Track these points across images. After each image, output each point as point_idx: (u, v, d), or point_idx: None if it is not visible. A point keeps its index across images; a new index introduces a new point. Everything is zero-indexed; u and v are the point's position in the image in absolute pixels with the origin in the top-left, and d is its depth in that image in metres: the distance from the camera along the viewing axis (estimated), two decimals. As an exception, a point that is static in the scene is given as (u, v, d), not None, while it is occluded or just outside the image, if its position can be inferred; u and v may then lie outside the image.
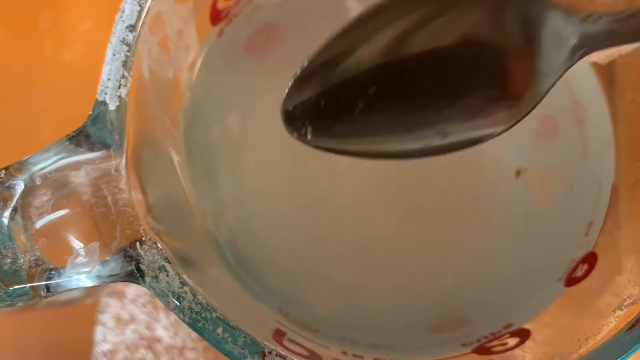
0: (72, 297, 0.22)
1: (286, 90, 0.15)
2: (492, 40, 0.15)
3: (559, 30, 0.14)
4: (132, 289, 0.26)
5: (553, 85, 0.15)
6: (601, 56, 0.18)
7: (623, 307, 0.15)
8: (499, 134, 0.15)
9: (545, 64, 0.15)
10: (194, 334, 0.26)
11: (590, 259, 0.17)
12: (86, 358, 0.25)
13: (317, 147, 0.15)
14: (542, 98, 0.15)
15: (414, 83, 0.15)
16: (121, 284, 0.25)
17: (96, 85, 0.29)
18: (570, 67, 0.15)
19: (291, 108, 0.15)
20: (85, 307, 0.25)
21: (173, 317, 0.25)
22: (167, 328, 0.25)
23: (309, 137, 0.15)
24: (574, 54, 0.14)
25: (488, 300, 0.18)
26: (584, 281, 0.17)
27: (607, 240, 0.17)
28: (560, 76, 0.15)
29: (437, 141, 0.15)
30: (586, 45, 0.14)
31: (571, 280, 0.17)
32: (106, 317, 0.25)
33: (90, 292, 0.24)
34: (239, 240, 0.18)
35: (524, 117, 0.15)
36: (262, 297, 0.17)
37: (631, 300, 0.15)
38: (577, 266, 0.18)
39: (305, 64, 0.15)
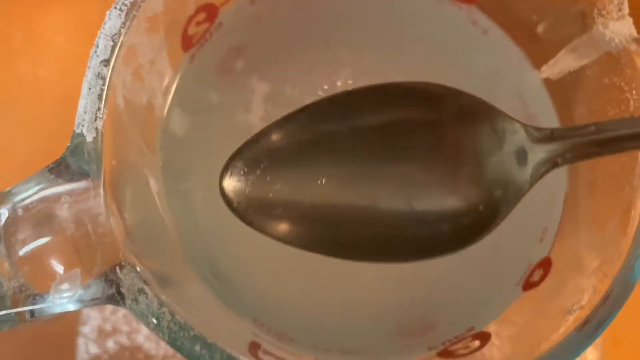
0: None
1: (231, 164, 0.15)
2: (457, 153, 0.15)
3: (523, 147, 0.15)
4: (113, 301, 0.26)
5: (515, 204, 0.15)
6: (553, 72, 0.20)
7: (574, 310, 0.16)
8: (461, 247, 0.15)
9: (507, 181, 0.15)
10: (174, 343, 0.26)
11: (546, 264, 0.18)
12: (69, 369, 0.25)
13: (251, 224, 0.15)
14: (503, 217, 0.15)
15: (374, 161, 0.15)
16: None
17: (70, 101, 0.29)
18: (533, 184, 0.15)
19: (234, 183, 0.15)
20: (66, 319, 0.26)
21: (154, 327, 0.26)
22: (149, 338, 0.26)
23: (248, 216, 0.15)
24: (539, 170, 0.15)
25: (452, 307, 0.19)
26: (540, 285, 0.18)
27: (560, 247, 0.19)
28: (525, 193, 0.15)
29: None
30: (551, 161, 0.15)
31: (528, 285, 0.19)
32: (87, 329, 0.26)
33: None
34: (213, 256, 0.19)
35: (483, 236, 0.15)
36: (239, 309, 0.18)
37: (581, 304, 0.16)
38: (533, 271, 0.19)
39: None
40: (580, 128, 0.15)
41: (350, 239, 0.15)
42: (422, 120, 0.15)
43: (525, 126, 0.15)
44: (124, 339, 0.26)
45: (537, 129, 0.15)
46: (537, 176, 0.15)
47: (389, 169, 0.15)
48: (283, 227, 0.15)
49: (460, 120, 0.15)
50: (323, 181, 0.15)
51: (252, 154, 0.15)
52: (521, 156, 0.15)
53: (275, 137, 0.15)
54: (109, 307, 0.27)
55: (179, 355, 0.26)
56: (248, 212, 0.15)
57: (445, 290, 0.19)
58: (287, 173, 0.15)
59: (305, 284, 0.19)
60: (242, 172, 0.15)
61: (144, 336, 0.26)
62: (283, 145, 0.15)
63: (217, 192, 0.19)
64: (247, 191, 0.15)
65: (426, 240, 0.15)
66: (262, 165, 0.15)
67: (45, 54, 0.29)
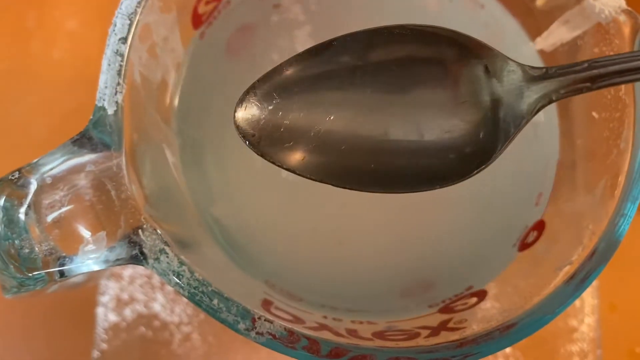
0: (78, 281, 0.24)
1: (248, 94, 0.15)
2: (456, 95, 0.16)
3: (520, 84, 0.16)
4: (128, 272, 0.28)
5: (515, 135, 0.16)
6: (547, 44, 0.21)
7: (564, 266, 0.17)
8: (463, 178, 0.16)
9: (506, 114, 0.16)
10: (189, 311, 0.28)
11: (540, 226, 0.20)
12: (89, 337, 0.27)
13: (264, 154, 0.16)
14: (504, 147, 0.16)
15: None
16: (119, 267, 0.27)
17: (83, 82, 0.30)
18: (531, 118, 0.16)
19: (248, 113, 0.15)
20: (86, 289, 0.27)
21: (169, 296, 0.27)
22: (164, 306, 0.27)
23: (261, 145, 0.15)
24: (535, 105, 0.16)
25: (452, 267, 0.20)
26: (533, 246, 0.19)
27: (553, 211, 0.20)
28: (524, 125, 0.16)
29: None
30: (546, 97, 0.16)
31: (523, 246, 0.20)
32: (106, 299, 0.27)
33: (92, 276, 0.26)
34: (225, 221, 0.20)
35: (486, 165, 0.16)
36: (251, 271, 0.19)
37: (571, 260, 0.17)
38: (528, 233, 0.20)
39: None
40: (572, 66, 0.15)
41: (360, 169, 0.16)
42: (426, 57, 0.16)
43: (521, 65, 0.16)
44: (141, 307, 0.27)
45: (533, 67, 0.16)
46: (534, 111, 0.16)
47: (395, 103, 0.16)
48: (295, 157, 0.16)
49: (462, 58, 0.16)
50: (332, 117, 0.15)
51: (265, 89, 0.16)
52: (519, 93, 0.16)
53: (287, 73, 0.16)
54: (126, 278, 0.28)
55: (194, 322, 0.28)
56: (261, 144, 0.15)
57: (446, 252, 0.20)
58: (299, 107, 0.16)
59: (312, 250, 0.21)
60: (255, 106, 0.15)
61: (160, 304, 0.27)
62: (295, 80, 0.16)
63: (228, 162, 0.20)
64: (260, 123, 0.15)
65: (431, 170, 0.16)
66: (274, 100, 0.15)
67: (58, 36, 0.30)
